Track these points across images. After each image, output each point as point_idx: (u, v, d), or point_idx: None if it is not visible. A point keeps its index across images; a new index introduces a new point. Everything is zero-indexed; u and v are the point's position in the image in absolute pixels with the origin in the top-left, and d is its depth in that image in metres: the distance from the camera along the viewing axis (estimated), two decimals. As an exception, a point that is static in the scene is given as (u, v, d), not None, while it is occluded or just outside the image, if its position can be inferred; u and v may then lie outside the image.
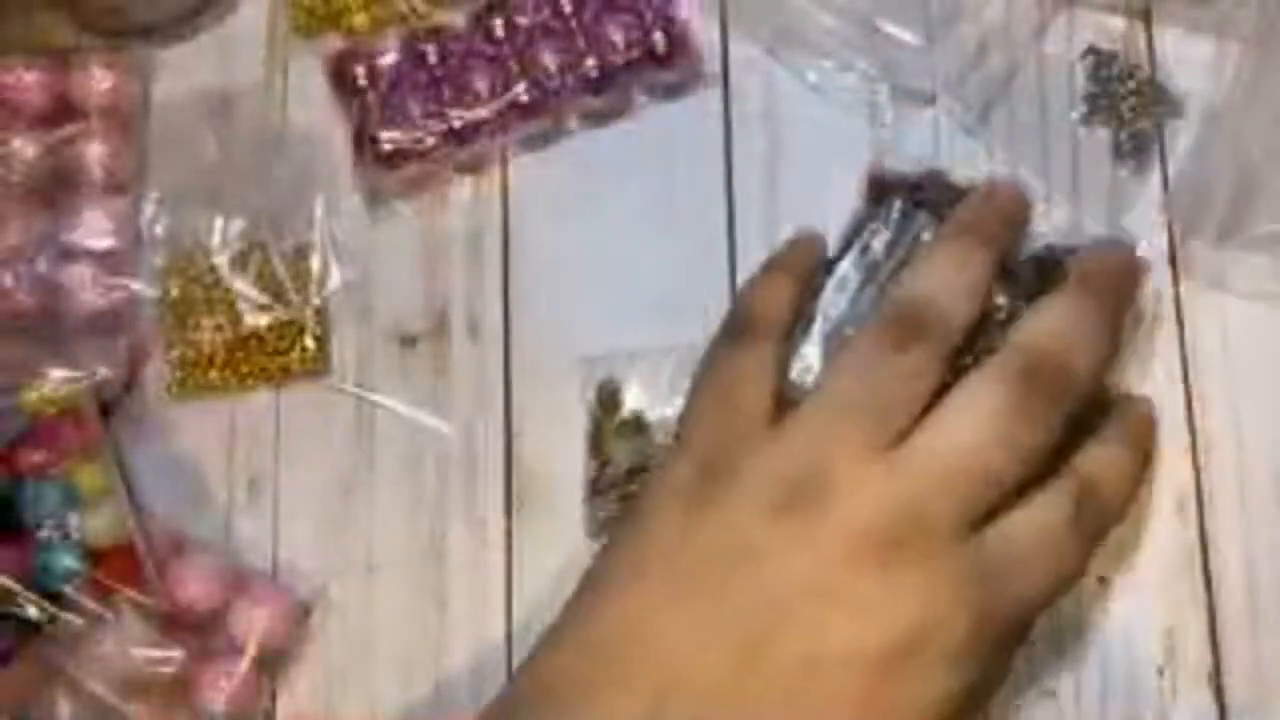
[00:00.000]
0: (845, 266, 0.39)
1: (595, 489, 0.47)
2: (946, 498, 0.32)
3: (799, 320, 0.38)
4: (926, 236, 0.39)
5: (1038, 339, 0.34)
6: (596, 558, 0.36)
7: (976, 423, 0.32)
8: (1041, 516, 0.33)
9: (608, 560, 0.35)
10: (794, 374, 0.37)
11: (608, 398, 0.47)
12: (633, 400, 0.47)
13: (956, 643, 0.31)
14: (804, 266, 0.39)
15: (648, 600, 0.32)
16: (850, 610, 0.31)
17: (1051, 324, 0.35)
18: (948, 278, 0.35)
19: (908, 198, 0.41)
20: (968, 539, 0.32)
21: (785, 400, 0.35)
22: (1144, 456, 0.37)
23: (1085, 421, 0.36)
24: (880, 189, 0.44)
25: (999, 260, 0.36)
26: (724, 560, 0.32)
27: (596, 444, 0.47)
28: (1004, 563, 0.32)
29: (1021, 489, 0.33)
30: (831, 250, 0.41)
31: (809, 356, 0.38)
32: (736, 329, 0.38)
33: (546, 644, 0.34)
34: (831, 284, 0.39)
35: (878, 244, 0.40)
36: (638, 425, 0.47)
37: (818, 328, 0.38)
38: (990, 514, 0.33)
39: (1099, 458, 0.35)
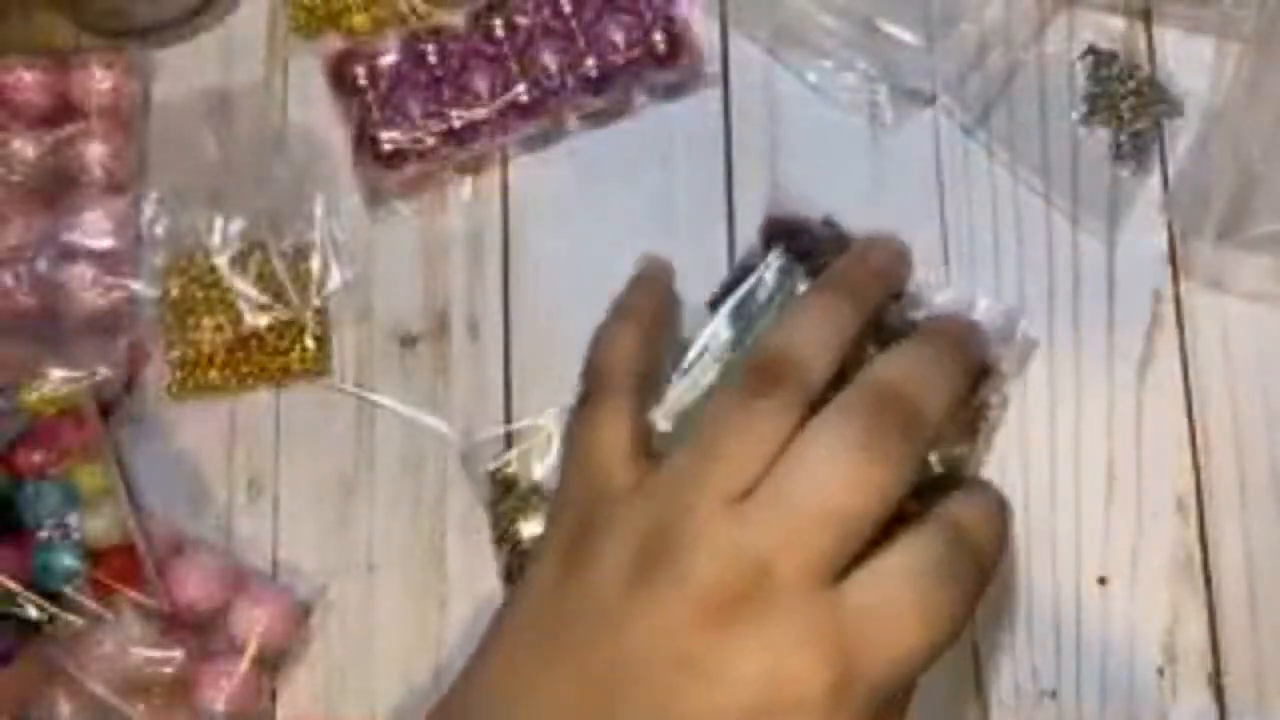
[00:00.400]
0: (721, 318, 0.39)
1: (509, 576, 0.47)
2: (797, 547, 0.30)
3: (675, 366, 0.38)
4: (802, 288, 0.39)
5: (883, 376, 0.33)
6: (491, 619, 0.35)
7: (825, 463, 0.31)
8: (909, 561, 0.31)
9: (495, 622, 0.35)
10: (662, 425, 0.37)
11: (502, 480, 0.47)
12: (526, 472, 0.47)
13: (816, 702, 0.29)
14: (650, 309, 0.39)
15: (518, 664, 0.32)
16: (700, 674, 0.29)
17: (898, 362, 0.33)
18: (810, 328, 0.34)
19: (790, 249, 0.42)
20: (825, 590, 0.30)
21: (655, 452, 0.35)
22: (1008, 512, 0.35)
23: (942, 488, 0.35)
24: (775, 231, 0.44)
25: (867, 315, 0.35)
26: (585, 625, 0.31)
27: (502, 530, 0.47)
28: (869, 613, 0.30)
29: (888, 537, 0.31)
30: (718, 288, 0.41)
31: (679, 406, 0.37)
32: (590, 386, 0.37)
33: (438, 705, 0.34)
34: (705, 334, 0.39)
35: (757, 295, 0.39)
36: (538, 493, 0.47)
37: (689, 378, 0.38)
38: (854, 562, 0.31)
39: (966, 502, 0.33)
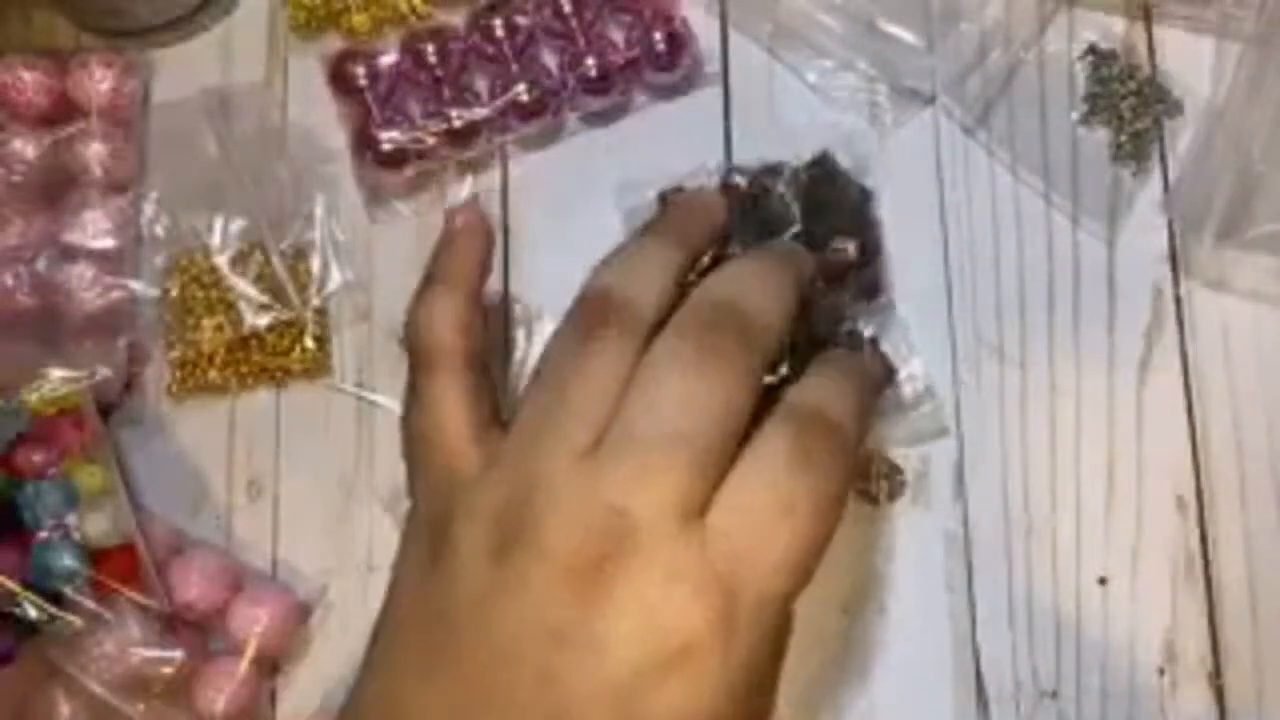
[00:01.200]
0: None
1: None
2: (651, 485, 0.28)
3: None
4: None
5: (709, 294, 0.32)
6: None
7: (662, 389, 0.29)
8: (758, 463, 0.29)
9: (373, 632, 0.32)
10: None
11: None
12: None
13: (704, 641, 0.28)
14: (465, 269, 0.36)
15: (398, 675, 0.30)
16: (579, 646, 0.28)
17: (723, 278, 0.32)
18: (634, 265, 0.33)
19: (812, 189, 0.44)
20: (689, 526, 0.28)
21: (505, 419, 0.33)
22: (864, 378, 0.34)
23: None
24: (819, 167, 0.46)
25: (691, 255, 0.34)
26: (457, 621, 0.29)
27: None
28: (735, 530, 0.29)
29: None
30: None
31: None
32: (416, 366, 0.34)
33: None
34: None
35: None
36: None
37: None
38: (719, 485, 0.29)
39: (810, 384, 0.32)
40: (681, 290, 0.33)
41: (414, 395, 0.34)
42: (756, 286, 0.32)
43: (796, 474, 0.29)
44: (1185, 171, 0.47)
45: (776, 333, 0.32)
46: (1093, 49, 0.48)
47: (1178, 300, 0.46)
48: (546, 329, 0.47)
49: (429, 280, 0.36)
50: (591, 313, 0.32)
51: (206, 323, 0.49)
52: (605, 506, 0.28)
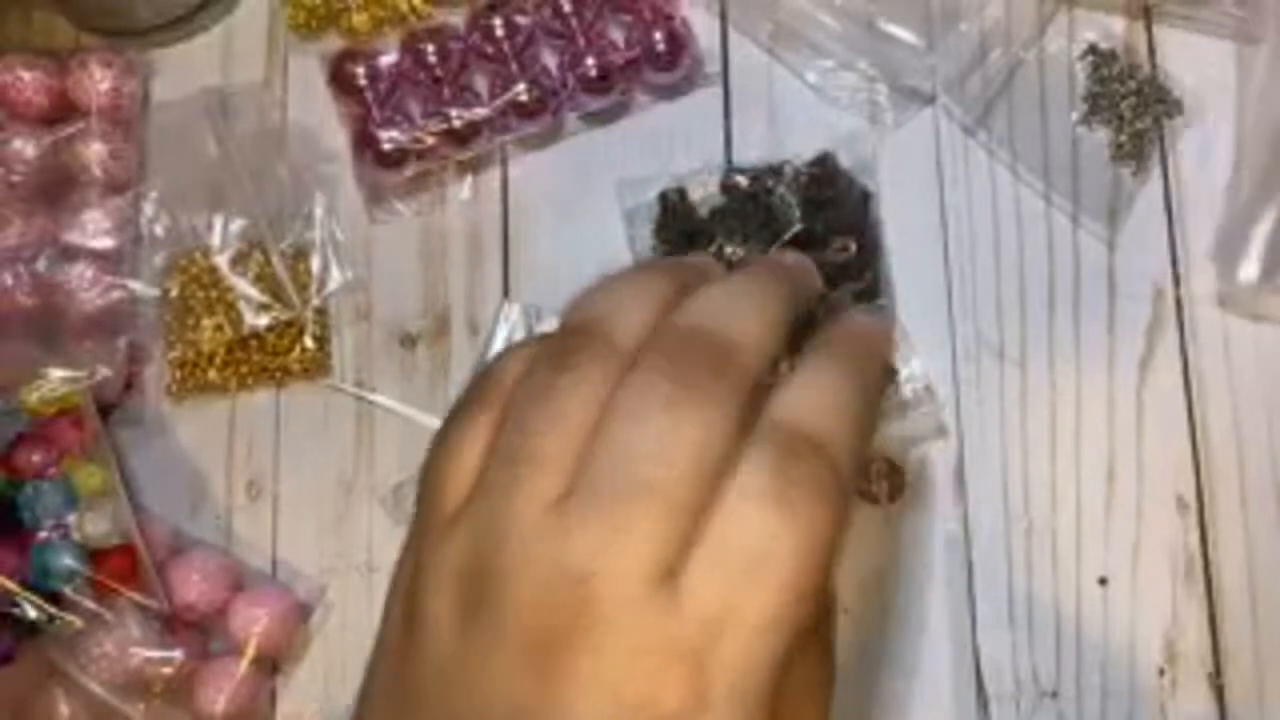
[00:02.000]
0: None
1: None
2: (619, 548, 0.25)
3: None
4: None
5: (681, 320, 0.28)
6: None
7: (633, 434, 0.25)
8: (731, 510, 0.25)
9: (366, 672, 0.29)
10: None
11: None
12: None
13: (678, 717, 0.24)
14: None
15: None
16: None
17: (697, 303, 0.28)
18: (625, 290, 0.29)
19: (813, 190, 0.45)
20: (659, 589, 0.25)
21: None
22: (867, 364, 0.29)
23: None
24: (821, 167, 0.46)
25: (675, 288, 0.30)
26: (423, 691, 0.27)
27: None
28: (708, 598, 0.25)
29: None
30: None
31: None
32: (466, 397, 0.30)
33: None
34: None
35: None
36: None
37: None
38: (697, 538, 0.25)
39: (795, 392, 0.27)
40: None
41: (449, 421, 0.30)
42: (733, 307, 0.28)
43: (773, 515, 0.25)
44: (1224, 215, 0.47)
45: (761, 355, 0.28)
46: (1093, 49, 0.48)
47: (1178, 300, 0.46)
48: (546, 329, 0.47)
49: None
50: (569, 338, 0.28)
51: (206, 323, 0.49)
52: (573, 571, 0.25)
